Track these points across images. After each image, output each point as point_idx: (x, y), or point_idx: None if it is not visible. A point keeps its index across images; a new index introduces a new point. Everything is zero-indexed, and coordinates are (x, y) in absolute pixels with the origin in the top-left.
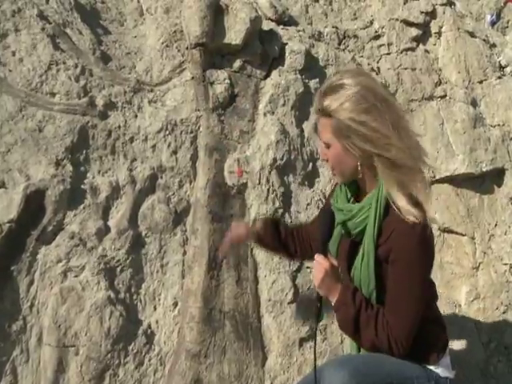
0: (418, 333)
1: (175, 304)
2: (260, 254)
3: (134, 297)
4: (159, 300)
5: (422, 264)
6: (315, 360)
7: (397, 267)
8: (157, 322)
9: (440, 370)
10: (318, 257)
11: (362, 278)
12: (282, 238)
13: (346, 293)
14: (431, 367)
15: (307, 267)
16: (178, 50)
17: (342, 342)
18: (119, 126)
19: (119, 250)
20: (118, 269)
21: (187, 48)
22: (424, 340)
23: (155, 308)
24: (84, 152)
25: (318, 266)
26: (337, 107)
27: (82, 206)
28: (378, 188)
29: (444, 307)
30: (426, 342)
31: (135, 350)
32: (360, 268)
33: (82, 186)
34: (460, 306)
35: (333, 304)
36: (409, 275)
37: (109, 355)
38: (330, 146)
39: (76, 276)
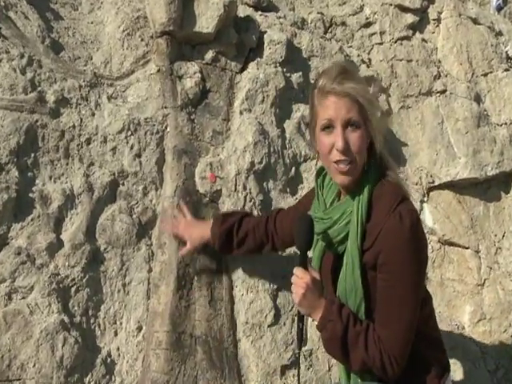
0: (414, 354)
1: (139, 328)
2: (236, 271)
3: (92, 321)
4: (121, 324)
5: (414, 263)
6: None
7: (387, 271)
8: (118, 349)
9: None
10: (298, 270)
11: (348, 289)
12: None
13: (330, 308)
14: None
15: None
16: (142, 39)
17: (329, 369)
18: (74, 126)
19: (74, 267)
20: (73, 289)
21: (152, 37)
22: (420, 363)
23: (116, 333)
24: (32, 155)
25: (299, 281)
26: (361, 90)
27: (29, 218)
28: (360, 188)
29: (445, 329)
30: (423, 366)
31: (93, 382)
32: (345, 278)
33: (30, 195)
34: (463, 328)
35: (316, 322)
36: (401, 278)
37: None
38: (359, 126)
39: (23, 298)
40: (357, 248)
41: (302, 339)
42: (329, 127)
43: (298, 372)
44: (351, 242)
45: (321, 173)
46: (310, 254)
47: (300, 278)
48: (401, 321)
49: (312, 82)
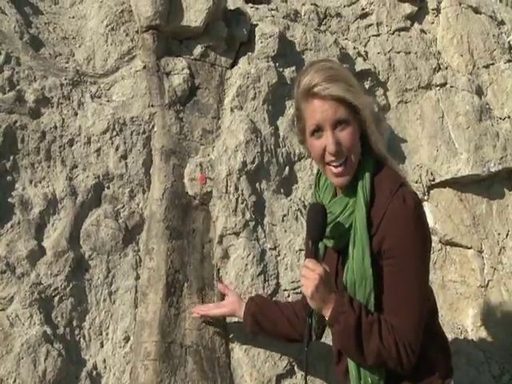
0: (420, 353)
1: (126, 339)
2: (228, 276)
3: (76, 332)
4: (107, 334)
5: (421, 245)
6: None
7: (394, 255)
8: (104, 361)
9: None
10: (309, 262)
11: (357, 280)
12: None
13: (342, 300)
14: None
15: (284, 290)
16: (127, 34)
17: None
18: (55, 127)
19: (57, 275)
20: (56, 299)
21: (137, 31)
22: (423, 363)
23: (102, 344)
24: (11, 158)
25: (310, 273)
26: (344, 86)
27: (9, 224)
28: (361, 175)
29: (447, 334)
30: (426, 367)
31: None
32: (353, 269)
33: (10, 200)
34: (466, 331)
35: (327, 317)
36: (408, 262)
37: None
38: (348, 123)
39: (2, 309)
40: (365, 233)
41: (310, 336)
42: (318, 131)
43: (306, 371)
44: (359, 229)
45: (318, 172)
46: None
47: (312, 270)
48: (412, 306)
49: None
